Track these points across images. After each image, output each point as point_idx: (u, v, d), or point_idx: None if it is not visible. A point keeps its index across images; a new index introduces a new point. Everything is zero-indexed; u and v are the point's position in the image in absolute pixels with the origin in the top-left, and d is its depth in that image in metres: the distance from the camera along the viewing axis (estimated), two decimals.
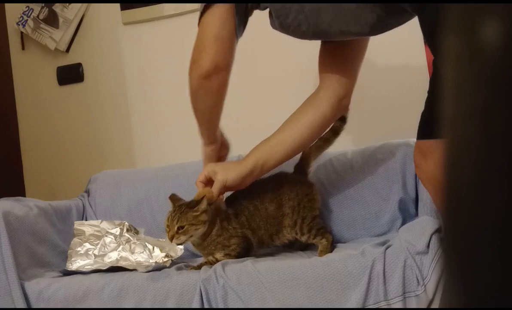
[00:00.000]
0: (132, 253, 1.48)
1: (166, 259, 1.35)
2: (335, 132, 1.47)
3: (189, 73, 1.28)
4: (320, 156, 1.53)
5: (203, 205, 1.28)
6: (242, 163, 1.36)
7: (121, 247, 1.50)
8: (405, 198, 1.54)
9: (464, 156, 0.29)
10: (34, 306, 1.27)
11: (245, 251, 1.35)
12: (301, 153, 1.48)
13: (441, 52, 0.31)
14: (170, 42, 2.09)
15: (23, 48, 2.20)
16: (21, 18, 2.16)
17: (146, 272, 1.29)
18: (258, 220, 1.38)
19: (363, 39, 1.41)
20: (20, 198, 1.56)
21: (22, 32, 2.18)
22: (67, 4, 2.14)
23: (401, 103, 1.90)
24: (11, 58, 2.18)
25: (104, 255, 1.49)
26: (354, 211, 1.57)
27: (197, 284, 1.19)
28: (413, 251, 1.14)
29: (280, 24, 1.26)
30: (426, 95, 1.87)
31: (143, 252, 1.47)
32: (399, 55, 1.90)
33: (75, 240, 1.54)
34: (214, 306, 1.17)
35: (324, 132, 1.46)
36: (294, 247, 1.47)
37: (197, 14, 2.11)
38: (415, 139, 1.62)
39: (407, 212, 1.54)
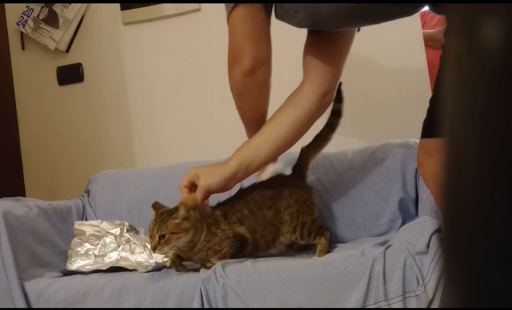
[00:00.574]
0: (132, 253, 1.48)
1: (166, 259, 1.35)
2: (331, 128, 1.44)
3: (231, 76, 1.28)
4: (320, 156, 1.52)
5: (181, 212, 1.23)
6: (225, 165, 1.31)
7: (121, 247, 1.50)
8: (405, 198, 1.54)
9: (464, 156, 0.29)
10: (34, 306, 1.27)
11: (240, 249, 1.31)
12: (299, 153, 1.46)
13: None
14: (170, 42, 2.09)
15: (23, 48, 2.20)
16: (21, 18, 2.16)
17: (146, 272, 1.29)
18: (254, 224, 1.33)
19: (349, 32, 1.38)
20: (20, 198, 1.56)
21: (22, 32, 2.18)
22: (67, 4, 2.14)
23: (401, 103, 1.90)
24: (11, 58, 2.19)
25: (104, 255, 1.49)
26: (354, 211, 1.57)
27: (197, 284, 1.19)
28: (413, 251, 1.14)
29: (280, 9, 1.25)
30: (426, 95, 1.87)
31: (143, 252, 1.47)
32: (399, 55, 1.90)
33: (75, 240, 1.54)
34: (214, 306, 1.17)
35: (320, 130, 1.45)
36: (294, 247, 1.47)
37: (197, 14, 2.11)
38: (415, 140, 1.63)
39: (407, 212, 1.54)
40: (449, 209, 0.31)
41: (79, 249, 1.52)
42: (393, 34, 1.80)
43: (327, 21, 1.23)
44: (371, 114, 1.92)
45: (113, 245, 1.51)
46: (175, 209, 1.24)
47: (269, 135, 1.34)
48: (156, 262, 1.36)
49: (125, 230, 1.56)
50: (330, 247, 1.39)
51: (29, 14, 2.16)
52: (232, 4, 1.21)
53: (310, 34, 1.39)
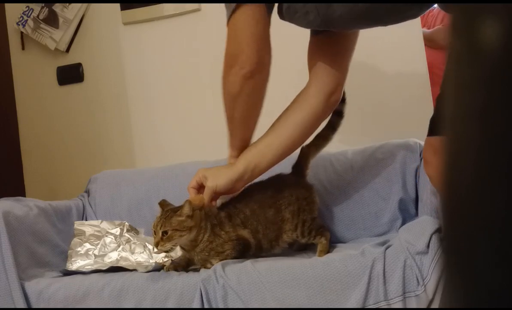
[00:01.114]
0: (132, 253, 1.48)
1: (166, 259, 1.35)
2: (333, 128, 1.45)
3: (227, 78, 1.25)
4: (320, 156, 1.52)
5: (186, 209, 1.24)
6: (232, 167, 1.33)
7: (121, 247, 1.50)
8: (405, 198, 1.54)
9: (464, 156, 0.29)
10: (34, 306, 1.27)
11: (242, 253, 1.32)
12: (299, 152, 1.46)
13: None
14: (170, 42, 2.09)
15: (23, 48, 2.20)
16: (21, 18, 2.16)
17: (146, 272, 1.29)
18: (256, 224, 1.34)
19: (353, 32, 1.38)
20: (20, 198, 1.56)
21: (22, 32, 2.18)
22: (67, 4, 2.14)
23: (401, 103, 1.90)
24: (11, 58, 2.19)
25: (104, 255, 1.49)
26: (354, 211, 1.57)
27: (197, 284, 1.19)
28: (413, 251, 1.14)
29: (287, 10, 1.23)
30: (426, 95, 1.87)
31: (143, 252, 1.47)
32: (399, 56, 1.90)
33: (75, 240, 1.54)
34: (214, 306, 1.17)
35: (321, 129, 1.45)
36: (294, 247, 1.47)
37: (197, 14, 2.11)
38: (415, 140, 1.63)
39: (407, 212, 1.54)
40: (449, 209, 0.31)
41: (79, 249, 1.52)
42: (393, 34, 1.80)
43: (339, 22, 1.20)
44: (371, 114, 1.92)
45: (113, 245, 1.51)
46: (181, 207, 1.26)
47: (275, 137, 1.35)
48: (156, 262, 1.36)
49: (125, 230, 1.56)
50: (330, 247, 1.39)
51: (29, 14, 2.16)
52: (234, 5, 1.18)
53: (314, 34, 1.38)
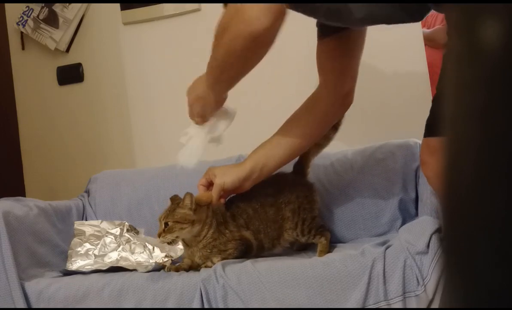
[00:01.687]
0: (132, 253, 1.48)
1: (166, 259, 1.35)
2: (335, 128, 1.45)
3: (233, 27, 1.07)
4: (320, 155, 1.52)
5: (187, 201, 1.27)
6: (241, 165, 1.35)
7: (121, 247, 1.50)
8: (405, 198, 1.54)
9: (464, 156, 0.29)
10: (34, 306, 1.27)
11: (243, 253, 1.32)
12: None
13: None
14: (170, 42, 2.09)
15: (23, 48, 2.20)
16: (21, 18, 2.16)
17: (146, 272, 1.29)
18: (258, 224, 1.35)
19: (360, 31, 1.37)
20: (20, 198, 1.56)
21: (22, 32, 2.18)
22: (67, 4, 2.14)
23: (401, 103, 1.90)
24: (11, 58, 2.18)
25: (104, 255, 1.49)
26: (354, 211, 1.57)
27: (197, 284, 1.19)
28: (413, 251, 1.14)
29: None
30: (426, 95, 1.87)
31: (143, 252, 1.47)
32: (399, 56, 1.90)
33: (75, 240, 1.54)
34: (214, 306, 1.17)
35: None
36: (294, 247, 1.47)
37: (197, 14, 2.10)
38: (415, 140, 1.63)
39: (407, 212, 1.54)
40: (449, 209, 0.31)
41: (79, 249, 1.52)
42: (393, 34, 1.80)
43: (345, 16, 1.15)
44: (371, 114, 1.92)
45: (113, 245, 1.51)
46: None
47: (285, 138, 1.35)
48: (156, 262, 1.37)
49: (125, 230, 1.56)
50: (330, 247, 1.39)
51: (29, 14, 2.16)
52: None
53: (321, 37, 1.37)
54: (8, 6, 2.17)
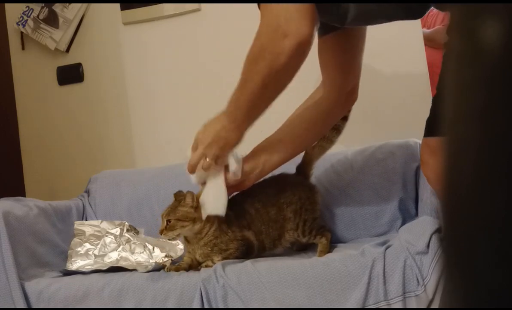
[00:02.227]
0: (132, 253, 1.48)
1: (166, 259, 1.35)
2: (337, 130, 1.45)
3: (272, 47, 1.06)
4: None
5: (188, 199, 1.27)
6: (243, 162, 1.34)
7: (121, 247, 1.50)
8: (405, 198, 1.54)
9: (464, 156, 0.29)
10: (34, 306, 1.27)
11: (244, 254, 1.32)
12: (303, 153, 1.46)
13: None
14: (170, 42, 2.08)
15: (23, 48, 2.20)
16: (21, 18, 2.16)
17: (146, 272, 1.29)
18: (260, 224, 1.35)
19: (361, 28, 1.36)
20: (20, 198, 1.56)
21: (22, 32, 2.18)
22: (67, 4, 2.14)
23: (401, 103, 1.90)
24: (11, 58, 2.18)
25: (104, 255, 1.49)
26: (354, 211, 1.57)
27: (197, 284, 1.19)
28: (413, 251, 1.14)
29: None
30: (426, 95, 1.87)
31: (143, 252, 1.47)
32: (399, 55, 1.90)
33: (75, 240, 1.54)
34: (214, 306, 1.17)
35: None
36: (294, 247, 1.47)
37: (197, 14, 2.09)
38: (415, 140, 1.63)
39: (407, 212, 1.54)
40: (449, 209, 0.31)
41: (79, 249, 1.52)
42: (393, 34, 1.80)
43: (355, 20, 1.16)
44: (371, 114, 1.92)
45: (113, 245, 1.51)
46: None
47: (287, 134, 1.35)
48: (156, 262, 1.36)
49: (125, 230, 1.56)
50: (330, 247, 1.39)
51: (29, 14, 2.16)
52: None
53: (321, 35, 1.36)
54: (8, 6, 2.17)
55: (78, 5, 2.14)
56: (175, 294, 1.19)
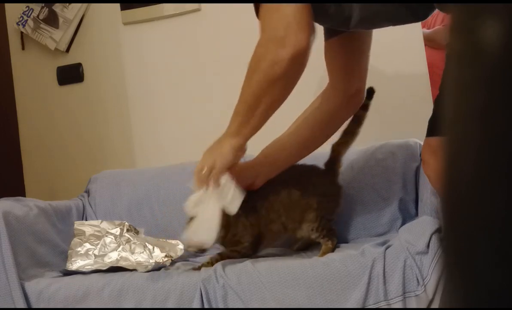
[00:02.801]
0: (132, 253, 1.48)
1: (166, 259, 1.35)
2: (359, 122, 1.44)
3: (267, 57, 1.09)
4: (320, 155, 1.52)
5: None
6: (251, 163, 1.36)
7: (121, 247, 1.50)
8: (405, 198, 1.54)
9: (464, 156, 0.29)
10: (34, 306, 1.27)
11: (252, 252, 1.35)
12: (330, 151, 1.46)
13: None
14: (170, 42, 2.08)
15: (23, 48, 2.20)
16: (21, 18, 2.16)
17: (146, 272, 1.29)
18: (278, 207, 1.34)
19: (367, 31, 1.38)
20: (20, 198, 1.56)
21: (22, 32, 2.18)
22: (67, 4, 2.14)
23: (401, 103, 1.90)
24: (11, 58, 2.18)
25: (104, 255, 1.49)
26: (354, 211, 1.57)
27: (197, 284, 1.19)
28: (413, 251, 1.14)
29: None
30: (426, 95, 1.87)
31: (143, 252, 1.47)
32: (399, 56, 1.90)
33: (75, 240, 1.54)
34: (214, 306, 1.17)
35: (347, 125, 1.45)
36: (294, 247, 1.47)
37: (197, 14, 2.09)
38: (415, 140, 1.63)
39: (407, 212, 1.54)
40: (449, 208, 0.31)
41: (79, 249, 1.52)
42: (393, 34, 1.80)
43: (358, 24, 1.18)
44: (371, 114, 1.91)
45: (113, 245, 1.51)
46: None
47: (294, 136, 1.37)
48: (156, 262, 1.37)
49: (125, 230, 1.56)
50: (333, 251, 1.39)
51: (29, 14, 2.16)
52: None
53: (328, 38, 1.37)
54: (8, 6, 2.17)
55: (78, 5, 2.14)
56: (175, 294, 1.19)
